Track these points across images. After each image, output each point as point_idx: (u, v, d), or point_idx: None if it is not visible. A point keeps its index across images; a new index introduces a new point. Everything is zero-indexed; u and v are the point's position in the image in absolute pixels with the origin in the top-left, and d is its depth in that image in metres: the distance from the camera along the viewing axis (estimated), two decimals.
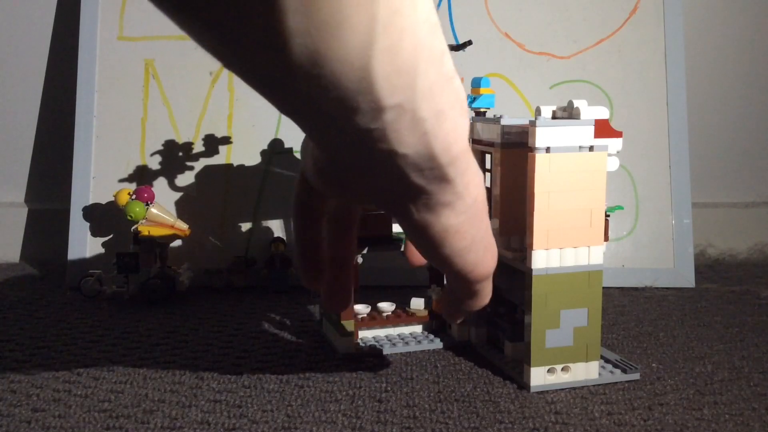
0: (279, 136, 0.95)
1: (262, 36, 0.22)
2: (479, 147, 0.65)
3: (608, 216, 0.61)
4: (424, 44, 0.25)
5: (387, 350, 0.68)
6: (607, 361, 0.64)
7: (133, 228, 0.85)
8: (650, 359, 0.66)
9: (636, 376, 0.61)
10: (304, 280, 0.42)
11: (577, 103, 0.59)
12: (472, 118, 0.66)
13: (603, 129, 0.58)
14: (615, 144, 0.59)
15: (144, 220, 0.84)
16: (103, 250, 0.94)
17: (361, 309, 0.72)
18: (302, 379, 0.62)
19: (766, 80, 1.07)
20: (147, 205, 0.84)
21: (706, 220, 1.05)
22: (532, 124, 0.56)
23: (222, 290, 0.90)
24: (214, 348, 0.69)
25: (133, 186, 0.92)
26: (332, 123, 0.26)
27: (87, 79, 0.96)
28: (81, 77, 0.96)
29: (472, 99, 0.68)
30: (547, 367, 0.59)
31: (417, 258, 0.46)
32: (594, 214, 0.58)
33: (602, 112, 0.58)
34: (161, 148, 0.95)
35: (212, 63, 0.95)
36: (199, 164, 0.95)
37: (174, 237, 0.86)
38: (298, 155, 0.95)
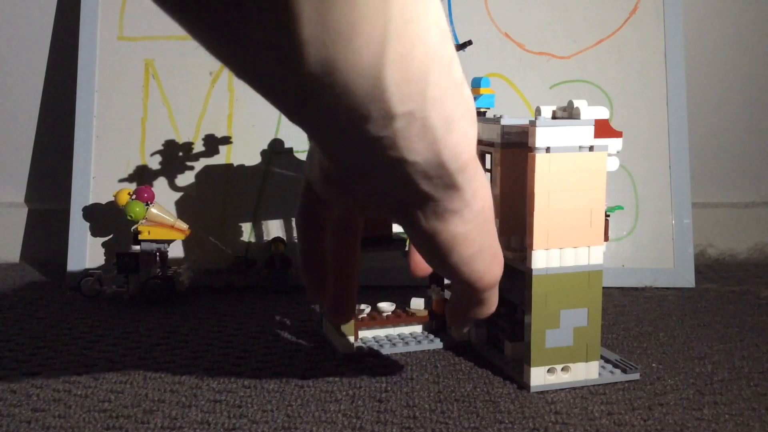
0: (279, 136, 0.95)
1: (275, 46, 0.22)
2: (479, 147, 0.65)
3: (608, 216, 0.61)
4: (435, 52, 0.25)
5: (387, 350, 0.68)
6: (607, 361, 0.64)
7: (133, 228, 0.85)
8: (650, 359, 0.66)
9: (636, 376, 0.61)
10: (309, 293, 0.42)
11: (577, 103, 0.59)
12: None
13: (603, 129, 0.58)
14: (615, 144, 0.59)
15: (144, 220, 0.84)
16: (103, 250, 0.94)
17: (361, 309, 0.72)
18: (302, 379, 0.62)
19: (766, 80, 1.07)
20: (147, 205, 0.84)
21: (706, 220, 1.05)
22: (532, 124, 0.56)
23: (222, 290, 0.89)
24: (214, 348, 0.69)
25: (133, 186, 0.92)
26: (342, 130, 0.26)
27: (87, 79, 0.96)
28: (81, 77, 0.96)
29: None
30: (547, 367, 0.59)
31: (421, 268, 0.46)
32: (594, 214, 0.58)
33: (602, 112, 0.58)
34: (161, 148, 0.95)
35: (212, 63, 0.95)
36: (199, 164, 0.95)
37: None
38: (298, 155, 0.95)
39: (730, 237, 1.07)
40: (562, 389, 0.59)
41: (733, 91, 1.07)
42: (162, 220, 0.85)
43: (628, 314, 0.80)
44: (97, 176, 0.95)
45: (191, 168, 0.94)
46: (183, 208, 0.93)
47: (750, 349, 0.69)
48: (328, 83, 0.23)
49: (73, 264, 0.93)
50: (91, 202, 0.94)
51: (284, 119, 0.94)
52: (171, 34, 0.96)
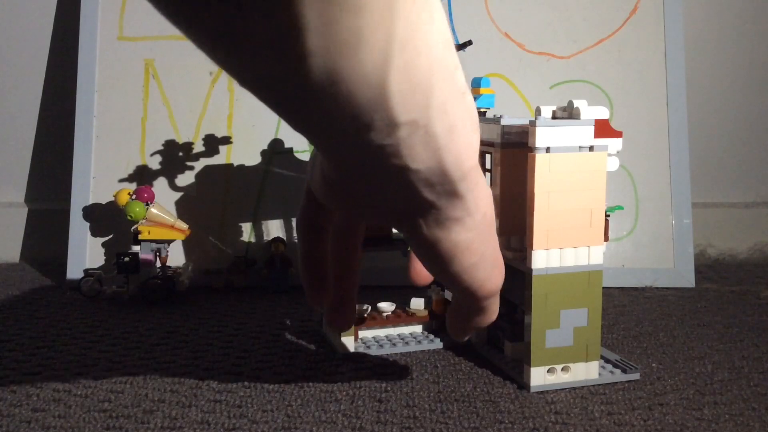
0: (279, 136, 0.95)
1: (279, 55, 0.22)
2: (479, 147, 0.65)
3: (608, 216, 0.61)
4: (439, 60, 0.25)
5: (387, 350, 0.68)
6: (607, 361, 0.64)
7: (133, 228, 0.85)
8: (650, 359, 0.66)
9: (636, 376, 0.61)
10: (310, 299, 0.42)
11: (577, 103, 0.59)
12: None
13: (603, 129, 0.58)
14: (615, 144, 0.59)
15: (144, 220, 0.84)
16: (103, 250, 0.94)
17: (361, 309, 0.72)
18: (302, 379, 0.62)
19: (766, 80, 1.07)
20: (147, 205, 0.84)
21: (706, 220, 1.05)
22: (532, 124, 0.56)
23: (222, 290, 0.89)
24: (214, 348, 0.69)
25: (133, 186, 0.92)
26: (345, 139, 0.26)
27: (87, 79, 0.96)
28: (81, 77, 0.96)
29: None
30: (547, 367, 0.59)
31: (421, 276, 0.46)
32: (594, 214, 0.58)
33: (602, 112, 0.58)
34: (161, 148, 0.95)
35: (212, 63, 0.95)
36: (199, 164, 0.95)
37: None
38: (298, 155, 0.95)
39: (730, 237, 1.07)
40: (562, 389, 0.59)
41: (733, 91, 1.07)
42: (162, 220, 0.85)
43: (628, 314, 0.80)
44: (97, 176, 0.95)
45: (191, 168, 0.94)
46: (183, 208, 0.93)
47: (750, 349, 0.69)
48: (331, 92, 0.23)
49: (73, 264, 0.93)
50: (91, 202, 0.94)
51: None
52: (171, 34, 0.96)
